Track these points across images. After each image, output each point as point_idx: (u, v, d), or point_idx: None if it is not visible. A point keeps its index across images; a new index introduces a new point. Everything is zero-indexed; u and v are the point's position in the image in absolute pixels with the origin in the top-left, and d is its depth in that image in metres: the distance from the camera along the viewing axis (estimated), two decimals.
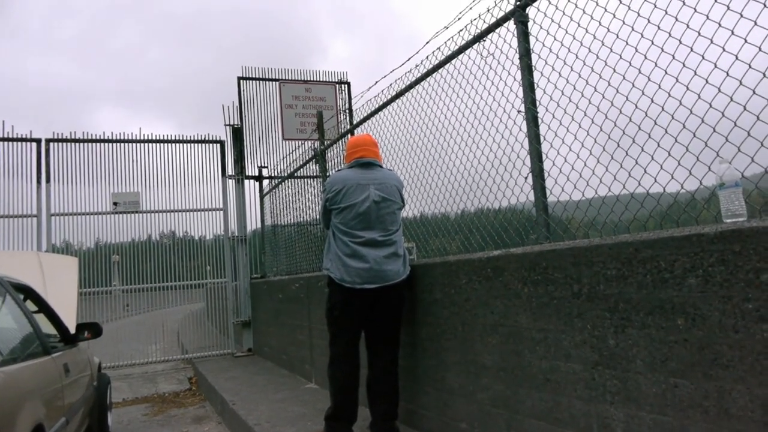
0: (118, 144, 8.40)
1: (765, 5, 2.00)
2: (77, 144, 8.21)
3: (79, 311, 5.04)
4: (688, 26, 2.27)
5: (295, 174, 7.38)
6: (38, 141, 8.02)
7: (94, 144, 8.29)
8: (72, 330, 4.04)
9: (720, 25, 2.13)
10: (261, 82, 9.12)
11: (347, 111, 8.97)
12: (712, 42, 2.17)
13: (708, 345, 1.86)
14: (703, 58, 2.20)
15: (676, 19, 2.32)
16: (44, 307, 3.80)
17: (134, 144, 8.46)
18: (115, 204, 8.31)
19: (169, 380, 7.58)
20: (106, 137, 8.34)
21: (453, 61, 3.80)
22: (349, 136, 6.21)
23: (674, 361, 1.97)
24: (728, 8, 2.10)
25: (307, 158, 6.93)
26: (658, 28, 2.41)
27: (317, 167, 6.60)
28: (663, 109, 2.37)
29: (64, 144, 8.14)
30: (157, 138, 8.57)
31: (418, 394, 3.56)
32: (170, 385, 7.27)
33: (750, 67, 2.03)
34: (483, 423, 2.96)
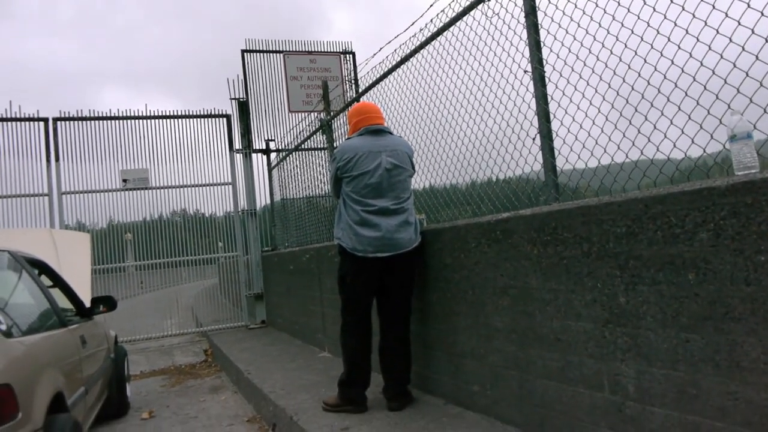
0: (125, 121, 8.40)
1: None
2: (84, 122, 8.22)
3: (93, 288, 5.11)
4: None
5: (302, 146, 7.36)
6: (45, 120, 8.04)
7: (101, 122, 8.31)
8: (87, 304, 4.09)
9: None
10: (265, 54, 9.03)
11: (352, 81, 8.89)
12: None
13: (719, 299, 1.85)
14: (713, 7, 2.15)
15: None
16: (59, 282, 3.84)
17: (141, 120, 8.46)
18: (124, 181, 8.35)
19: (185, 353, 7.70)
20: (112, 114, 8.34)
21: (457, 23, 3.73)
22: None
23: (685, 316, 1.96)
24: None
25: (314, 129, 6.90)
26: None
27: (324, 138, 6.57)
28: (672, 62, 2.32)
29: (72, 122, 8.16)
30: (164, 114, 8.57)
31: (430, 359, 3.59)
32: (186, 357, 7.39)
33: (762, 14, 1.97)
34: (495, 385, 2.99)
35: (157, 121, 8.54)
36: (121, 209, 8.45)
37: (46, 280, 3.68)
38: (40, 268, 3.65)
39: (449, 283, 3.35)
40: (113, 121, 8.36)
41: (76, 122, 8.18)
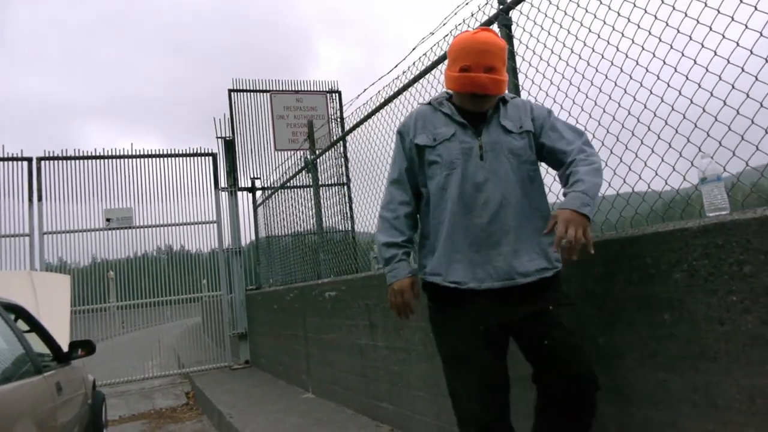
0: (110, 160, 8.40)
1: (741, 1, 2.03)
2: (69, 161, 8.21)
3: (73, 329, 5.02)
4: (667, 24, 2.29)
5: (288, 184, 7.38)
6: (29, 160, 8.02)
7: (85, 161, 8.29)
8: (65, 348, 4.01)
9: (698, 21, 2.16)
10: (252, 93, 9.14)
11: (338, 120, 9.00)
12: (690, 39, 2.19)
13: (695, 338, 1.86)
14: (682, 54, 2.23)
15: (656, 17, 2.34)
16: (36, 327, 3.77)
17: (126, 159, 8.46)
18: (108, 220, 8.29)
19: (166, 396, 7.53)
20: (97, 154, 8.34)
21: (440, 66, 3.81)
22: (340, 145, 6.21)
23: (663, 356, 1.97)
24: (706, 5, 2.12)
25: (299, 168, 6.95)
26: (638, 26, 2.43)
27: (309, 177, 6.61)
28: (645, 106, 2.39)
29: (56, 162, 8.14)
30: (149, 153, 8.59)
31: (413, 399, 3.55)
32: (167, 400, 7.22)
33: (728, 62, 2.05)
34: None
35: (142, 159, 8.54)
36: (104, 248, 8.38)
37: (22, 325, 3.61)
38: (16, 312, 3.59)
39: (430, 322, 3.32)
40: (98, 161, 8.35)
41: (60, 161, 8.16)
